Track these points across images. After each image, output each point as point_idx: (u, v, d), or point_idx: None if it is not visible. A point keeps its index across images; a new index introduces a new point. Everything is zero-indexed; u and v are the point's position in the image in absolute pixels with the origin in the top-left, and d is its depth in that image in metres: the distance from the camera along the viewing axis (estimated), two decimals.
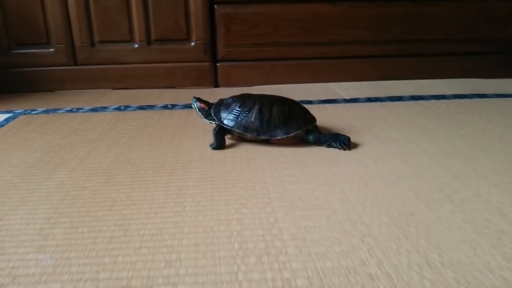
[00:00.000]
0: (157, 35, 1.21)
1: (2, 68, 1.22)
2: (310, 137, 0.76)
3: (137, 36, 1.21)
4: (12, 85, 1.24)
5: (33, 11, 1.18)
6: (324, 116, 0.93)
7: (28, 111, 1.02)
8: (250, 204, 0.55)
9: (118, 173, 0.65)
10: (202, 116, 0.80)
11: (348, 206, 0.55)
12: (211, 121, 0.79)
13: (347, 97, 1.09)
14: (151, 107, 1.04)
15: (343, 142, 0.74)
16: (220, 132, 0.77)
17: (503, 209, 0.54)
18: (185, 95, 1.17)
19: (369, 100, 1.06)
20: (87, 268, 0.43)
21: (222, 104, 0.78)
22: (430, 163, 0.68)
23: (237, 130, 0.75)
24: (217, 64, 1.26)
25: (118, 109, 1.03)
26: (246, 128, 0.74)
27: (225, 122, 0.75)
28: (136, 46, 1.22)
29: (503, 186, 0.60)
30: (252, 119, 0.74)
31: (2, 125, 0.91)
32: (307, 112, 0.78)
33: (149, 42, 1.22)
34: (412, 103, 1.03)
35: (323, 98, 1.09)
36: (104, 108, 1.03)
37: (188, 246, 0.46)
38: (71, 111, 1.02)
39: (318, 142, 0.76)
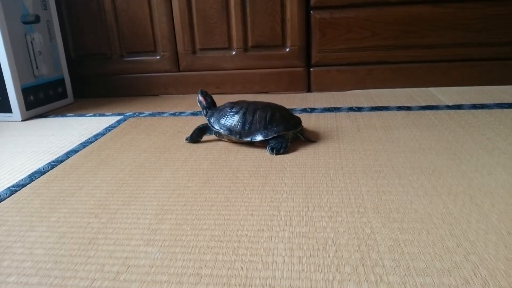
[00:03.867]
0: (253, 42, 1.26)
1: (116, 74, 1.35)
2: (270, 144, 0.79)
3: (235, 43, 1.26)
4: (123, 89, 1.37)
5: (142, 23, 1.29)
6: (425, 123, 0.89)
7: (137, 114, 1.12)
8: (344, 212, 0.55)
9: (216, 175, 0.69)
10: (201, 108, 0.89)
11: (450, 221, 0.52)
12: (205, 116, 0.88)
13: (450, 103, 1.03)
14: None
15: (273, 147, 0.77)
16: (200, 130, 0.86)
17: None
18: (277, 100, 1.19)
19: (475, 107, 0.99)
20: (190, 263, 0.46)
21: (218, 108, 0.85)
22: None
23: (222, 132, 0.81)
24: (311, 69, 1.27)
25: None
26: (230, 131, 0.81)
27: (212, 123, 0.83)
28: (233, 53, 1.27)
29: None
30: (236, 123, 0.80)
31: (115, 127, 1.01)
32: (291, 118, 0.81)
33: (245, 49, 1.27)
34: None
35: (423, 104, 1.04)
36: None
37: (283, 250, 0.47)
38: (174, 114, 1.09)
39: (270, 150, 0.78)
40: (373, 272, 0.43)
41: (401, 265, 0.44)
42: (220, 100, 1.20)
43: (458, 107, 1.00)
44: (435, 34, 1.18)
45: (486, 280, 0.41)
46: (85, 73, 1.37)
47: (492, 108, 0.97)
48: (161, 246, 0.49)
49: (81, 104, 1.29)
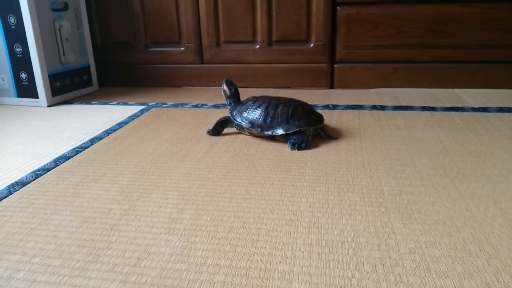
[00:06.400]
0: (278, 36, 1.25)
1: (140, 64, 1.37)
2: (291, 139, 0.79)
3: (259, 37, 1.26)
4: (146, 79, 1.38)
5: (168, 14, 1.30)
6: (449, 125, 0.87)
7: (159, 104, 1.13)
8: (365, 211, 0.55)
9: (237, 168, 0.69)
10: (224, 97, 0.89)
11: (473, 225, 0.51)
12: (228, 106, 0.89)
13: (476, 106, 1.01)
14: None
15: (294, 142, 0.77)
16: (222, 123, 0.86)
17: None
18: (299, 96, 1.18)
19: (501, 110, 0.97)
20: (209, 253, 0.46)
21: (241, 102, 0.87)
22: None
23: (244, 125, 0.81)
24: (335, 66, 1.26)
25: None
26: (252, 124, 0.81)
27: (235, 115, 0.84)
28: (257, 46, 1.27)
29: None
30: (258, 116, 0.80)
31: (138, 116, 1.02)
32: (313, 113, 0.82)
33: (269, 43, 1.27)
34: None
35: (448, 105, 1.03)
36: (225, 105, 1.10)
37: (302, 245, 0.47)
38: (196, 106, 1.10)
39: (291, 145, 0.78)
40: (393, 272, 0.43)
41: (421, 267, 0.43)
42: (242, 93, 1.20)
43: (484, 109, 0.98)
44: (463, 34, 1.16)
45: (509, 285, 0.40)
46: (110, 62, 1.39)
47: None
48: (181, 235, 0.50)
49: (105, 92, 1.31)
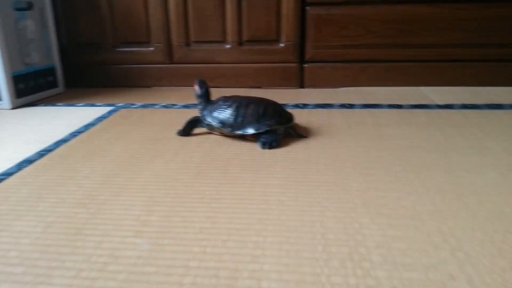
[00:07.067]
0: (248, 36, 1.25)
1: (108, 64, 1.34)
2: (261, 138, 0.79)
3: (229, 37, 1.26)
4: (115, 80, 1.36)
5: (137, 13, 1.28)
6: (415, 122, 0.89)
7: (128, 105, 1.11)
8: (334, 208, 0.55)
9: (207, 168, 0.69)
10: (195, 97, 0.88)
11: (438, 218, 0.52)
12: (198, 107, 0.88)
13: (441, 103, 1.04)
14: None
15: (265, 141, 0.77)
16: (192, 123, 0.86)
17: None
18: (270, 95, 1.19)
19: (465, 107, 1.00)
20: (178, 255, 0.46)
21: (212, 101, 0.86)
22: None
23: (214, 125, 0.81)
24: (304, 65, 1.27)
25: None
26: (222, 124, 0.80)
27: (205, 115, 0.83)
28: (228, 46, 1.27)
29: None
30: (228, 116, 0.80)
31: (106, 117, 1.00)
32: (283, 113, 0.82)
33: (240, 43, 1.26)
34: None
35: (414, 102, 1.05)
36: (195, 105, 1.09)
37: (272, 243, 0.47)
38: (166, 106, 1.09)
39: (262, 144, 0.78)
40: (361, 266, 0.43)
41: (388, 260, 0.44)
42: (214, 93, 1.20)
43: (449, 106, 1.01)
44: (429, 34, 1.19)
45: (471, 276, 0.42)
46: (77, 62, 1.36)
47: (482, 109, 0.98)
48: (150, 237, 0.49)
49: (72, 94, 1.28)
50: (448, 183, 0.62)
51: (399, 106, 1.02)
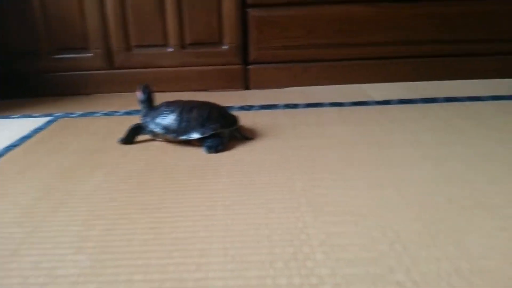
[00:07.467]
0: (191, 39, 1.24)
1: (43, 72, 1.28)
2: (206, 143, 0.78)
3: (171, 40, 1.24)
4: (52, 88, 1.30)
5: (72, 18, 1.23)
6: (356, 119, 0.92)
7: (67, 114, 1.07)
8: (278, 209, 0.56)
9: (151, 176, 0.67)
10: (138, 102, 0.87)
11: (377, 212, 0.54)
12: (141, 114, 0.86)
13: (379, 99, 1.08)
14: None
15: (210, 146, 0.77)
16: (134, 130, 0.83)
17: None
18: (216, 98, 1.18)
19: (402, 102, 1.04)
20: (121, 269, 0.44)
21: (155, 107, 0.84)
22: (464, 168, 0.66)
23: (158, 131, 0.80)
24: (249, 67, 1.27)
25: None
26: (166, 129, 0.79)
27: (147, 122, 0.82)
28: (170, 50, 1.25)
29: None
30: (172, 121, 0.79)
31: (43, 128, 0.96)
32: (228, 116, 0.82)
33: (183, 46, 1.25)
34: (446, 105, 1.00)
35: (354, 100, 1.09)
36: (138, 112, 1.06)
37: (218, 250, 0.47)
38: (107, 114, 1.05)
39: (207, 148, 0.78)
40: (305, 265, 0.44)
41: (331, 257, 0.45)
42: (159, 98, 1.18)
43: (387, 102, 1.05)
44: (368, 32, 1.23)
45: (409, 267, 0.44)
46: (11, 72, 1.28)
47: (417, 103, 1.03)
48: (91, 253, 0.48)
49: (7, 105, 1.21)
50: (387, 177, 0.64)
51: (340, 104, 1.05)
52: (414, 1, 1.20)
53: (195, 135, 0.78)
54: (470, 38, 1.23)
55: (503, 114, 0.92)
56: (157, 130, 0.80)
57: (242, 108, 1.07)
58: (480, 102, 1.01)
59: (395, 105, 1.02)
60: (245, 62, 1.27)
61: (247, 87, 1.30)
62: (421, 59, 1.26)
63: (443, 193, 0.59)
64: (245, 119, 0.96)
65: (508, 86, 1.17)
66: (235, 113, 0.95)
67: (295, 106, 1.06)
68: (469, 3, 1.21)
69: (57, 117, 1.04)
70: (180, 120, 0.79)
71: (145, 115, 0.84)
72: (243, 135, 0.84)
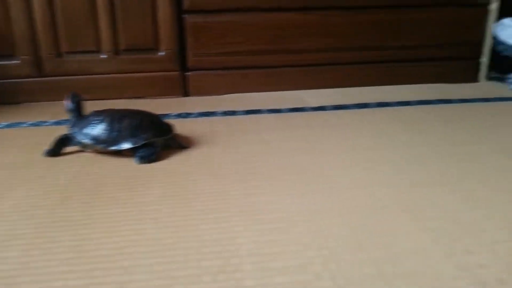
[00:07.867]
0: (125, 45, 1.20)
1: None
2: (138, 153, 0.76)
3: (105, 46, 1.19)
4: None
5: None
6: (293, 125, 0.94)
7: None
8: (209, 219, 0.55)
9: (77, 190, 0.64)
10: (66, 112, 0.83)
11: (309, 218, 0.55)
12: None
13: (315, 105, 1.10)
14: None
15: (142, 156, 0.75)
16: (61, 141, 0.79)
17: (459, 218, 0.55)
18: (153, 106, 1.15)
19: (336, 108, 1.07)
20: None
21: (83, 117, 0.80)
22: (392, 171, 0.69)
23: (87, 142, 0.77)
24: (187, 74, 1.26)
25: None
26: (95, 140, 0.76)
27: (75, 133, 0.78)
28: (104, 56, 1.21)
29: (461, 194, 0.61)
30: (102, 131, 0.76)
31: None
32: (161, 124, 0.80)
33: (117, 52, 1.21)
34: (378, 110, 1.04)
35: (291, 106, 1.10)
36: (68, 121, 1.01)
37: (143, 266, 0.46)
38: (35, 124, 1.00)
39: (139, 159, 0.75)
40: (233, 277, 0.44)
41: (260, 267, 0.45)
42: (92, 106, 1.13)
43: (322, 108, 1.07)
44: (305, 39, 1.25)
45: (334, 273, 0.44)
46: None
47: (351, 109, 1.06)
48: (5, 277, 0.44)
49: None
50: (319, 182, 0.65)
51: (278, 111, 1.06)
52: (345, 9, 1.24)
53: (126, 145, 0.75)
54: (400, 45, 1.29)
55: (430, 118, 0.97)
56: (86, 141, 0.76)
57: (180, 115, 1.05)
58: (409, 107, 1.06)
59: (330, 111, 1.04)
60: (184, 68, 1.26)
61: (186, 94, 1.28)
62: (354, 65, 1.30)
63: (372, 197, 0.60)
64: (182, 127, 0.95)
65: (435, 91, 1.24)
66: (171, 121, 0.93)
67: (233, 113, 1.05)
68: (397, 11, 1.27)
69: None
70: (110, 129, 0.76)
71: (73, 125, 0.80)
72: (179, 144, 0.82)
